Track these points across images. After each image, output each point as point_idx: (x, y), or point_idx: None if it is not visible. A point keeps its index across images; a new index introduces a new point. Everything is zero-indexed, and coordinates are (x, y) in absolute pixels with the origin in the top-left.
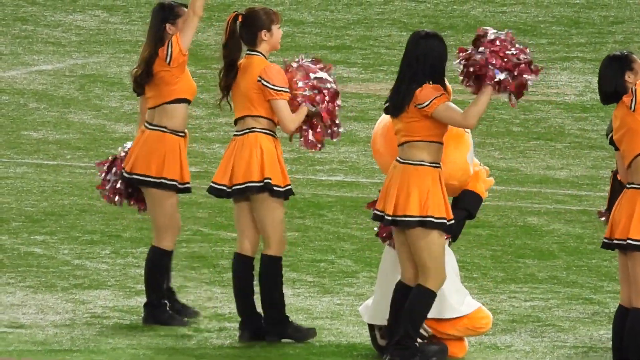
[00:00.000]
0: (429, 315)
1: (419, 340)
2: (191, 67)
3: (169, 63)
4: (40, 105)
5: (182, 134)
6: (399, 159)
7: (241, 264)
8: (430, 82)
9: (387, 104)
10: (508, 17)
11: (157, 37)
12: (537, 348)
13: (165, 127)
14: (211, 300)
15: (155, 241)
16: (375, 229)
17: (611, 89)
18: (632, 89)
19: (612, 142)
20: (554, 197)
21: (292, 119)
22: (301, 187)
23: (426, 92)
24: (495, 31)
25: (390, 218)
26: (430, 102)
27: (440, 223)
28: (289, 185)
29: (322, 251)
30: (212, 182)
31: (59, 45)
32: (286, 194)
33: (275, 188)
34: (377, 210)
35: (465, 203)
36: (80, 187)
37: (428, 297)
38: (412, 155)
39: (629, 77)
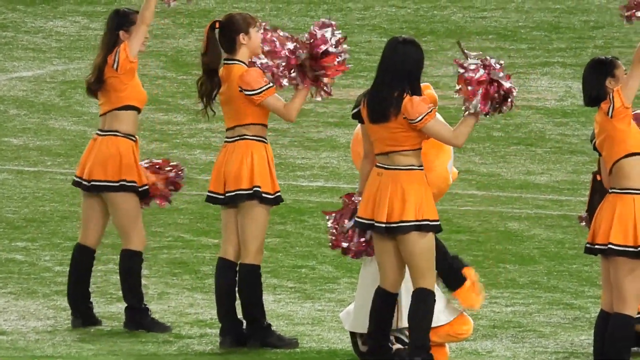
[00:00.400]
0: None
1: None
2: (172, 73)
3: (116, 69)
4: (21, 111)
5: (133, 139)
6: (383, 165)
7: (224, 269)
8: (409, 89)
9: (355, 110)
10: (488, 22)
11: (110, 44)
12: (518, 353)
13: (117, 131)
14: (192, 306)
15: (124, 245)
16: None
17: (593, 93)
18: (610, 95)
19: (595, 148)
20: (535, 202)
21: (290, 107)
22: (282, 193)
23: (417, 107)
24: (469, 62)
25: (384, 225)
26: (422, 117)
27: (435, 225)
28: (279, 192)
29: (303, 257)
30: (209, 190)
31: (39, 52)
32: (276, 201)
33: (264, 195)
34: (361, 218)
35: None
36: (61, 194)
37: (432, 298)
38: (400, 162)
39: (609, 83)
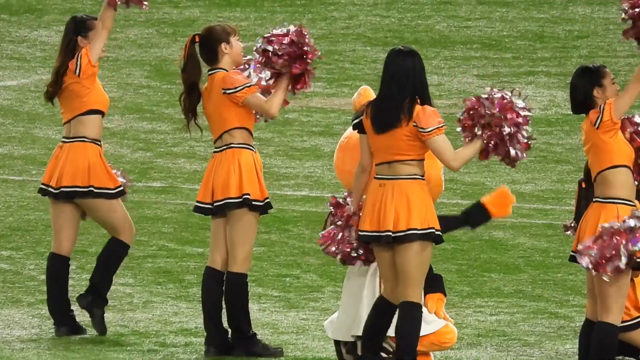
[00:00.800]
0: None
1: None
2: (156, 82)
3: (78, 75)
4: (6, 120)
5: (99, 143)
6: (385, 176)
7: (212, 278)
8: (418, 98)
9: (356, 120)
10: (472, 31)
11: (69, 50)
12: None
13: (84, 137)
14: (177, 315)
15: (115, 235)
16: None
17: (580, 100)
18: (601, 106)
19: None
20: (520, 211)
21: (271, 102)
22: None
23: (429, 118)
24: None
25: (391, 234)
26: (432, 130)
27: (439, 235)
28: (268, 198)
29: (288, 266)
30: (197, 201)
31: (23, 61)
32: (265, 208)
33: (254, 203)
34: (365, 231)
35: (471, 211)
36: (46, 203)
37: (419, 311)
38: (403, 171)
39: (597, 92)
